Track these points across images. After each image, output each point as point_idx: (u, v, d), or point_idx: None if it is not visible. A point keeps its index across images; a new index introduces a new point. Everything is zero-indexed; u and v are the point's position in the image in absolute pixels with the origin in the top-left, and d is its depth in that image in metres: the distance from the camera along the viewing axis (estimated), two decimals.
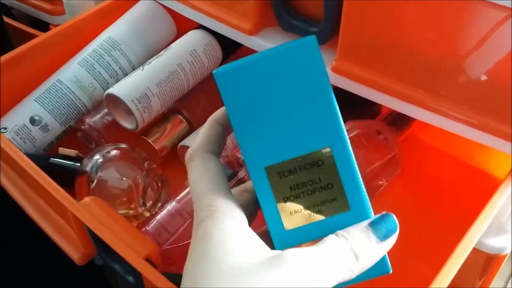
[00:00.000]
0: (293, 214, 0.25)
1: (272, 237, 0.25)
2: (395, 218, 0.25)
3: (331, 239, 0.24)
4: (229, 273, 0.21)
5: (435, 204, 0.47)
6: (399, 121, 0.48)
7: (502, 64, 0.34)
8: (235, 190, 0.27)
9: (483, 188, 0.40)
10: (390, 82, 0.39)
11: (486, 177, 0.49)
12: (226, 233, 0.23)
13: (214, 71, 0.25)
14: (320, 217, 0.25)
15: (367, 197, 0.25)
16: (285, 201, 0.25)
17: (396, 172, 0.47)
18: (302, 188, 0.25)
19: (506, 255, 0.46)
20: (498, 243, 0.45)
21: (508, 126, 0.35)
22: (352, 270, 0.23)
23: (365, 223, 0.24)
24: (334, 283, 0.23)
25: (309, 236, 0.25)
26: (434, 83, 0.37)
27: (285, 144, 0.25)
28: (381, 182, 0.46)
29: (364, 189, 0.25)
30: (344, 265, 0.23)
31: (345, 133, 0.25)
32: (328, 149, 0.24)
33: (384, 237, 0.24)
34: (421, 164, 0.50)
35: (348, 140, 0.25)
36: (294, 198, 0.25)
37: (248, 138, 0.25)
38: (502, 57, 0.33)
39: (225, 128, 0.27)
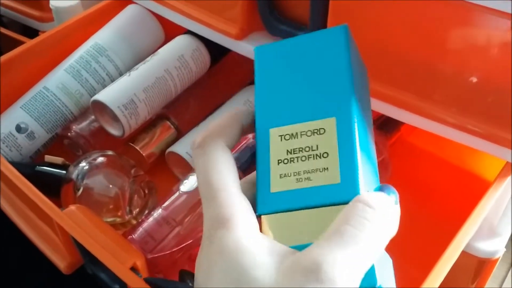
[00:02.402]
0: (282, 178, 0.24)
1: (257, 199, 0.24)
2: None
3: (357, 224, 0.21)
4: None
5: (425, 208, 0.47)
6: (388, 125, 0.48)
7: (490, 68, 0.33)
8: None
9: (473, 191, 0.40)
10: (378, 86, 0.39)
11: (475, 180, 0.48)
12: (245, 244, 0.21)
13: (255, 47, 0.28)
14: (307, 184, 0.24)
15: (361, 173, 0.23)
16: (278, 163, 0.25)
17: (386, 175, 0.46)
18: (298, 153, 0.25)
19: (498, 259, 0.46)
20: (489, 246, 0.45)
21: (498, 129, 0.35)
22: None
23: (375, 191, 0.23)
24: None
25: (290, 203, 0.24)
26: (423, 87, 0.37)
27: (295, 111, 0.25)
28: None
29: (359, 165, 0.24)
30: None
31: (356, 107, 0.25)
32: (332, 119, 0.25)
33: (396, 202, 0.23)
34: (410, 167, 0.50)
35: (357, 114, 0.25)
36: (288, 161, 0.25)
37: (264, 104, 0.26)
38: (491, 62, 0.33)
39: (244, 129, 0.25)
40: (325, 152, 0.24)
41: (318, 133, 0.25)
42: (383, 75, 0.38)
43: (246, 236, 0.21)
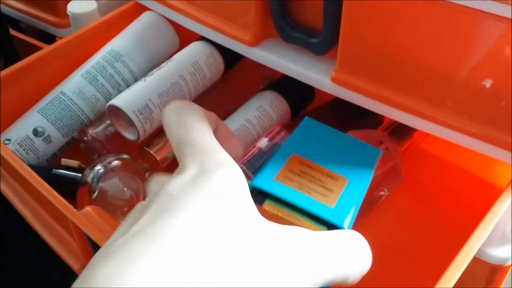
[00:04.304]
0: (287, 179, 0.29)
1: (257, 174, 0.29)
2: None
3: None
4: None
5: (437, 214, 0.47)
6: (400, 131, 0.48)
7: (501, 74, 0.34)
8: None
9: (485, 197, 0.40)
10: (390, 93, 0.39)
11: (488, 186, 0.48)
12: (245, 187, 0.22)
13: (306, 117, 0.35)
14: (305, 193, 0.28)
15: (351, 214, 0.28)
16: (289, 171, 0.29)
17: (398, 182, 0.46)
18: (309, 177, 0.29)
19: (510, 266, 0.45)
20: (501, 253, 0.44)
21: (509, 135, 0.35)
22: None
23: None
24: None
25: (284, 194, 0.28)
26: (435, 93, 0.37)
27: (320, 157, 0.31)
28: (382, 193, 0.46)
29: (355, 209, 0.28)
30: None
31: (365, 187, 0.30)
32: (346, 179, 0.30)
33: None
34: (423, 174, 0.50)
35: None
36: (297, 175, 0.29)
37: (297, 139, 0.32)
38: (503, 67, 0.33)
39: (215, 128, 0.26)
40: (331, 189, 0.29)
41: (331, 178, 0.30)
42: (396, 81, 0.39)
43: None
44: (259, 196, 0.28)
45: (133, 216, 0.22)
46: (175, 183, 0.21)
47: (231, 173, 0.22)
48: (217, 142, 0.24)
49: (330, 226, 0.27)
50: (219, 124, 0.27)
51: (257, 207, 0.24)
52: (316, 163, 0.30)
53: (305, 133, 0.33)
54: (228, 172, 0.22)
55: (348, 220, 0.27)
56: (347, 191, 0.29)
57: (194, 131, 0.24)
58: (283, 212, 0.28)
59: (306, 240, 0.22)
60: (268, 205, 0.28)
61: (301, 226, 0.27)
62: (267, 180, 0.28)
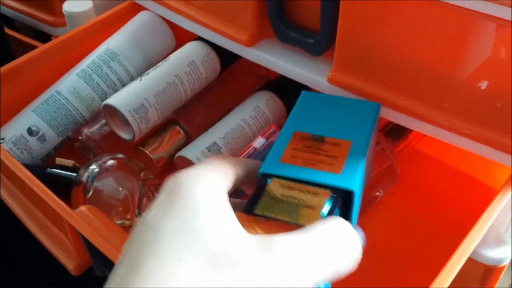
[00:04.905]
0: (292, 157, 0.30)
1: (265, 161, 0.30)
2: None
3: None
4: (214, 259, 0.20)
5: (432, 215, 0.47)
6: (396, 132, 0.48)
7: (500, 76, 0.34)
8: None
9: (480, 198, 0.40)
10: (387, 93, 0.39)
11: (483, 187, 0.48)
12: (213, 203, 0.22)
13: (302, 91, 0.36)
14: (311, 167, 0.29)
15: (359, 173, 0.29)
16: (293, 149, 0.30)
17: (393, 182, 0.46)
18: (312, 149, 0.30)
19: (504, 266, 0.46)
20: (496, 254, 0.45)
21: (507, 137, 0.35)
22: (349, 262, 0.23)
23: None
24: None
25: (293, 173, 0.28)
26: (431, 94, 0.37)
27: (320, 128, 0.32)
28: (378, 193, 0.46)
29: (361, 170, 0.29)
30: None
31: (368, 140, 0.31)
32: (349, 141, 0.31)
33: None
34: (419, 174, 0.50)
35: (366, 148, 0.31)
36: (301, 150, 0.30)
37: (296, 117, 0.34)
38: (500, 69, 0.33)
39: (245, 180, 0.27)
40: (336, 156, 0.30)
41: (335, 144, 0.31)
42: (392, 82, 0.39)
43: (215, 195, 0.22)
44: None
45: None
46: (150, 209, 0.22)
47: (203, 185, 0.22)
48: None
49: (339, 191, 0.27)
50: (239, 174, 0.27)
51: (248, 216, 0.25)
52: (318, 134, 0.31)
53: (303, 108, 0.35)
54: (200, 184, 0.22)
55: (357, 183, 0.28)
56: (351, 153, 0.30)
57: None
58: (292, 185, 0.28)
59: (291, 246, 0.22)
60: (274, 181, 0.28)
61: (307, 195, 0.27)
62: (274, 164, 0.29)
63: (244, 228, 0.22)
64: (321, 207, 0.26)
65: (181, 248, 0.20)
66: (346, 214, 0.28)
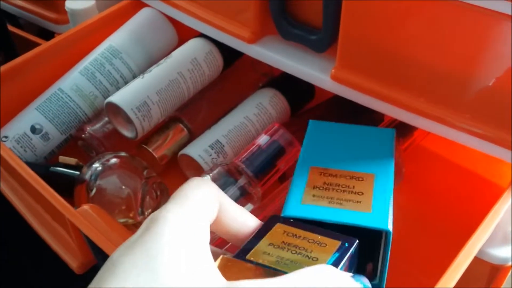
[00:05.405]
0: (315, 197, 0.27)
1: (285, 204, 0.27)
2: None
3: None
4: None
5: (438, 213, 0.46)
6: (401, 129, 0.48)
7: (504, 72, 0.33)
8: None
9: (487, 197, 0.39)
10: (391, 90, 0.39)
11: (489, 186, 0.48)
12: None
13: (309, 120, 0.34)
14: (338, 207, 0.26)
15: (391, 210, 0.27)
16: (313, 188, 0.28)
17: (399, 180, 0.46)
18: (335, 186, 0.28)
19: (511, 266, 0.45)
20: (503, 253, 0.44)
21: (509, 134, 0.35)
22: None
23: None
24: None
25: (318, 216, 0.26)
26: (435, 91, 0.37)
27: (338, 162, 0.30)
28: None
29: (391, 205, 0.27)
30: None
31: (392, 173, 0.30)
32: (373, 174, 0.29)
33: None
34: (424, 172, 0.50)
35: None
36: (323, 189, 0.28)
37: (310, 149, 0.31)
38: (505, 66, 0.33)
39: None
40: (361, 192, 0.27)
41: (358, 179, 0.28)
42: (396, 79, 0.38)
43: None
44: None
45: None
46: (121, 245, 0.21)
47: (178, 226, 0.21)
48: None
49: (370, 232, 0.25)
50: (225, 207, 0.24)
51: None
52: (337, 168, 0.29)
53: (314, 139, 0.32)
54: (175, 224, 0.21)
55: (390, 221, 0.26)
56: (377, 187, 0.28)
57: None
58: (298, 232, 0.25)
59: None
60: (279, 227, 0.25)
61: (313, 245, 0.24)
62: (296, 206, 0.27)
63: (225, 273, 0.21)
64: (326, 260, 0.23)
65: (134, 286, 0.19)
66: (365, 259, 0.26)
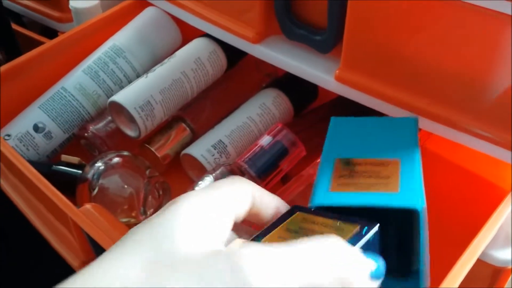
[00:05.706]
0: (342, 185, 0.27)
1: (313, 194, 0.27)
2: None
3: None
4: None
5: (441, 215, 0.46)
6: None
7: (505, 71, 0.33)
8: None
9: (490, 199, 0.39)
10: (394, 91, 0.39)
11: (492, 188, 0.48)
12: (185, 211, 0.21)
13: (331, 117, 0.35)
14: (365, 190, 0.27)
15: (422, 189, 0.27)
16: (340, 177, 0.28)
17: None
18: (361, 173, 0.28)
19: None
20: (505, 255, 0.44)
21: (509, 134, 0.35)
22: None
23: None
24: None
25: (349, 201, 0.26)
26: (439, 93, 0.37)
27: (360, 150, 0.30)
28: None
29: (421, 181, 0.28)
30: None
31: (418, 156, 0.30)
32: (398, 159, 0.29)
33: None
34: (427, 174, 0.49)
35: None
36: (349, 176, 0.28)
37: (334, 141, 0.32)
38: (506, 65, 0.33)
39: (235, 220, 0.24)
40: (388, 175, 0.28)
41: (383, 165, 0.29)
42: (400, 80, 0.38)
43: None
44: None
45: None
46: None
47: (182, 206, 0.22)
48: None
49: (399, 212, 0.25)
50: (259, 199, 0.25)
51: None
52: (362, 157, 0.29)
53: (337, 134, 0.33)
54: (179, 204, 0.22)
55: (421, 199, 0.26)
56: (404, 170, 0.28)
57: None
58: (317, 219, 0.25)
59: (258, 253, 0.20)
60: (298, 215, 0.25)
61: (328, 229, 0.24)
62: (324, 195, 0.27)
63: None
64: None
65: (132, 247, 0.20)
66: (394, 244, 0.27)
